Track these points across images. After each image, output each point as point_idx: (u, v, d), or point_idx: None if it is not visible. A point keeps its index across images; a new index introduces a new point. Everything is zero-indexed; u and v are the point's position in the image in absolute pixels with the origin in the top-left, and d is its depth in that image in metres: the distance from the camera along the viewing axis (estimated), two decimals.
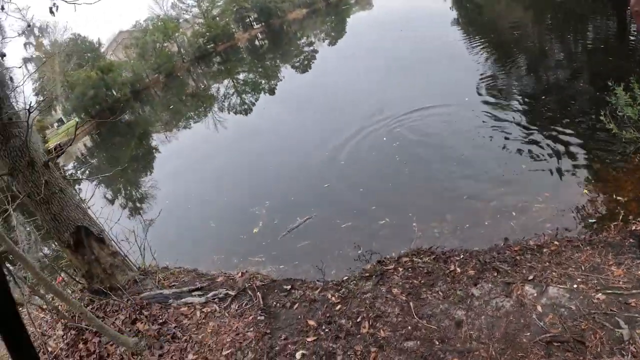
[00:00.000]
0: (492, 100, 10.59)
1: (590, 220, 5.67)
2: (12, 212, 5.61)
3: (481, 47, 15.54)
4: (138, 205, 13.94)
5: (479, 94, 11.11)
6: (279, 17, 68.38)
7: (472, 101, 10.70)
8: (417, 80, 13.86)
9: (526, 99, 10.14)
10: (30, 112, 5.55)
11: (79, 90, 45.98)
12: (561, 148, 7.58)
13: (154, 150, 22.57)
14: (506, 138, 8.55)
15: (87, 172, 22.81)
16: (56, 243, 6.69)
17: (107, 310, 6.02)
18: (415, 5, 30.45)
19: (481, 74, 12.52)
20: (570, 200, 6.23)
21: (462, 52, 15.53)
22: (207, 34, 61.75)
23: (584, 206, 6.04)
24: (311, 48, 36.11)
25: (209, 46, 62.07)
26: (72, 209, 6.16)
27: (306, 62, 30.13)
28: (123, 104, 44.84)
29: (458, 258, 5.41)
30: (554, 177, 6.93)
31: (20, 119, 5.74)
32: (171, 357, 5.05)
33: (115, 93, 51.51)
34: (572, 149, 7.46)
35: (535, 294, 4.40)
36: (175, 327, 5.46)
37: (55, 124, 50.54)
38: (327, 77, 21.62)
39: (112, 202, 14.73)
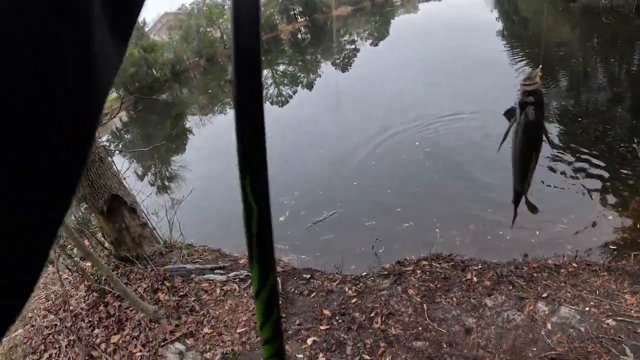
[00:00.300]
0: None
1: (611, 247, 5.67)
2: None
3: (524, 61, 15.39)
4: (168, 183, 14.26)
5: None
6: (324, 13, 68.54)
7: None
8: (455, 88, 13.77)
9: (563, 119, 10.07)
10: None
11: (121, 67, 46.99)
12: (591, 172, 7.54)
13: (188, 132, 22.98)
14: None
15: (121, 145, 23.35)
16: (89, 208, 6.99)
17: (131, 277, 6.29)
18: (461, 13, 30.24)
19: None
20: (591, 219, 6.25)
21: (504, 64, 15.42)
22: None
23: (606, 232, 6.04)
24: (353, 47, 36.07)
25: None
26: (109, 178, 6.47)
27: (347, 60, 30.17)
28: (165, 84, 45.60)
29: (476, 268, 5.50)
30: (580, 200, 6.91)
31: None
32: (187, 328, 5.28)
33: (155, 72, 52.59)
34: (603, 174, 7.41)
35: (546, 312, 4.48)
36: (195, 300, 5.69)
37: None
38: (366, 77, 21.63)
39: (143, 177, 15.13)
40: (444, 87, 14.32)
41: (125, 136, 28.58)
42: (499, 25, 24.61)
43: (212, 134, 21.04)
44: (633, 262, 5.14)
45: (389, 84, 17.41)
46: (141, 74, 48.89)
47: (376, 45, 33.97)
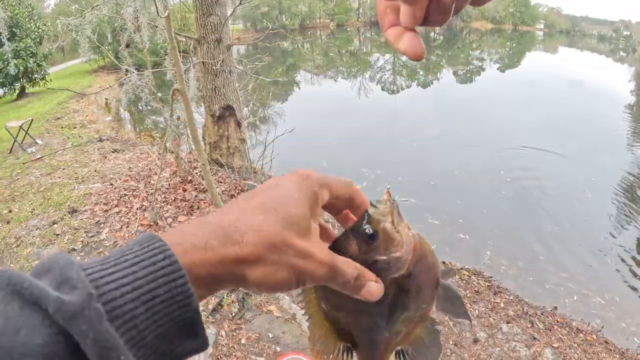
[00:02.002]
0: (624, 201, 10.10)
1: (636, 339, 5.73)
2: (191, 67, 6.82)
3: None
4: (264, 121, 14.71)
5: (618, 185, 10.66)
6: (463, 21, 67.39)
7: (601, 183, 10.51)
8: (567, 142, 13.41)
9: None
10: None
11: (254, 3, 48.67)
12: None
13: (295, 85, 23.67)
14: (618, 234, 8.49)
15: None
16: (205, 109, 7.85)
17: (215, 177, 7.13)
18: (595, 76, 28.31)
19: (630, 168, 11.84)
20: (631, 311, 6.32)
21: (622, 139, 14.80)
22: None
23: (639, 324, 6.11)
24: (480, 64, 35.37)
25: None
26: (230, 90, 7.35)
27: (469, 75, 29.73)
28: (290, 33, 46.41)
29: (507, 297, 5.85)
30: (631, 286, 6.96)
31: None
32: None
33: (284, 19, 54.20)
34: None
35: (550, 359, 4.81)
36: None
37: None
38: (482, 95, 21.35)
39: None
40: (552, 136, 14.03)
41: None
42: (631, 99, 23.11)
43: (318, 94, 21.60)
44: None
45: (503, 113, 17.14)
46: (271, 15, 50.42)
47: (503, 71, 33.10)
